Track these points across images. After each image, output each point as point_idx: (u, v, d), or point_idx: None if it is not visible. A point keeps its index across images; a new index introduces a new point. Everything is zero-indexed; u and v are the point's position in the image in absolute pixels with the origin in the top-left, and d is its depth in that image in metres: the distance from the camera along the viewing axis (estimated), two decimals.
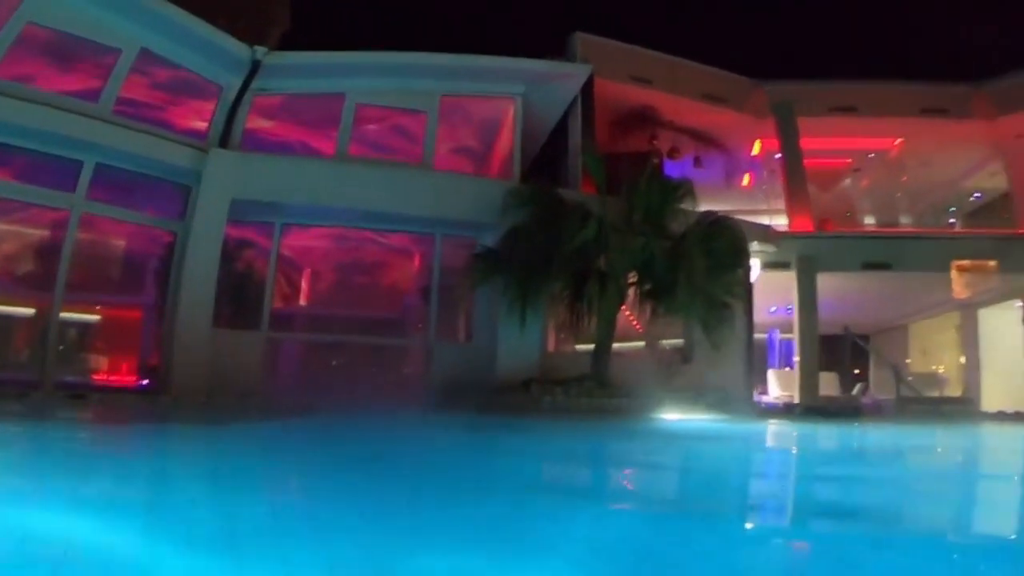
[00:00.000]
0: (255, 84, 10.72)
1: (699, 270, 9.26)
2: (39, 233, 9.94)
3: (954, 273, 13.74)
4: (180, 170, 9.77)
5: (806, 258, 13.44)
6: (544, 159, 13.10)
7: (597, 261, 9.77)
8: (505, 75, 11.57)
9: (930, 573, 1.83)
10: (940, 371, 16.66)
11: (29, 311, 9.75)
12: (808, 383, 13.22)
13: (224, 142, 10.40)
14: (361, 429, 6.38)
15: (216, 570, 1.68)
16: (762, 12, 22.10)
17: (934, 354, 17.60)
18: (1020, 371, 13.68)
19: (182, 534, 1.99)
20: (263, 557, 1.78)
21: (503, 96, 11.78)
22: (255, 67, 10.60)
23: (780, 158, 15.14)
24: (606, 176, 10.46)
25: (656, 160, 13.58)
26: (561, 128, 12.75)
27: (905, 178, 16.73)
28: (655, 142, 14.66)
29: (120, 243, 10.73)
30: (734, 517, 2.75)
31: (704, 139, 15.17)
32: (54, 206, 9.08)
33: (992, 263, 13.50)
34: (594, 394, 9.16)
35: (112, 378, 10.21)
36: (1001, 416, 12.07)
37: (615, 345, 10.16)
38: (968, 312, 15.46)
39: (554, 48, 13.69)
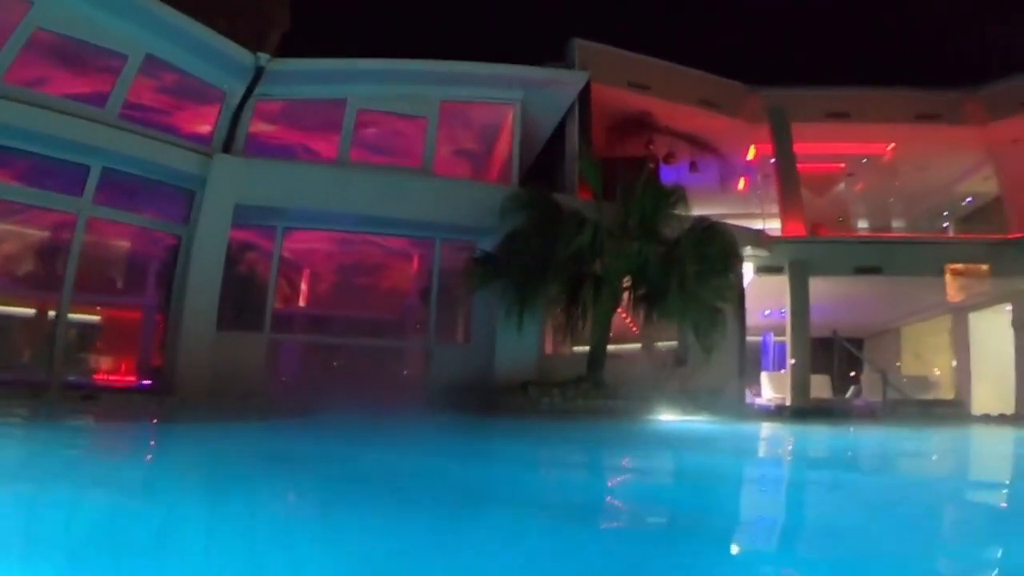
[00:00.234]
0: (258, 89, 10.89)
1: (690, 275, 9.47)
2: (46, 236, 10.11)
3: (948, 276, 13.97)
4: (184, 175, 9.95)
5: (798, 262, 13.65)
6: (542, 164, 13.30)
7: (593, 266, 9.97)
8: (504, 81, 11.78)
9: None
10: (936, 373, 16.87)
11: (36, 312, 9.92)
12: (800, 385, 13.44)
13: (228, 147, 10.58)
14: (378, 431, 6.66)
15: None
16: (757, 19, 22.33)
17: (927, 357, 17.80)
18: (1009, 374, 13.89)
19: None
20: None
21: (502, 102, 11.99)
22: (258, 73, 10.77)
23: (774, 163, 15.36)
24: (603, 180, 10.66)
25: (652, 165, 13.79)
26: (559, 133, 12.96)
27: (898, 183, 16.94)
28: (651, 147, 14.87)
29: (125, 246, 10.90)
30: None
31: (700, 144, 15.38)
32: (62, 210, 9.25)
33: (985, 267, 13.74)
34: (590, 396, 9.35)
35: (114, 378, 10.38)
36: (986, 419, 12.29)
37: (612, 347, 10.36)
38: (959, 316, 15.68)
39: (553, 54, 13.90)
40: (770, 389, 15.94)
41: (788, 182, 14.89)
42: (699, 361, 10.13)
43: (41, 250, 10.20)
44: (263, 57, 10.72)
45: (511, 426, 7.87)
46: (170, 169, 9.81)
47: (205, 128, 10.80)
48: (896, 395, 13.86)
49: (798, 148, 15.02)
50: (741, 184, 17.18)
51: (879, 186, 17.35)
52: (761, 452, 6.97)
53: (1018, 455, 7.26)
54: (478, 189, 11.92)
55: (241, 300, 10.59)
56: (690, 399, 9.76)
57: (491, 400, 9.47)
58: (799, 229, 14.42)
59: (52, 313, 8.99)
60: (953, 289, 14.10)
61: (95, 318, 10.53)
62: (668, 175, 14.63)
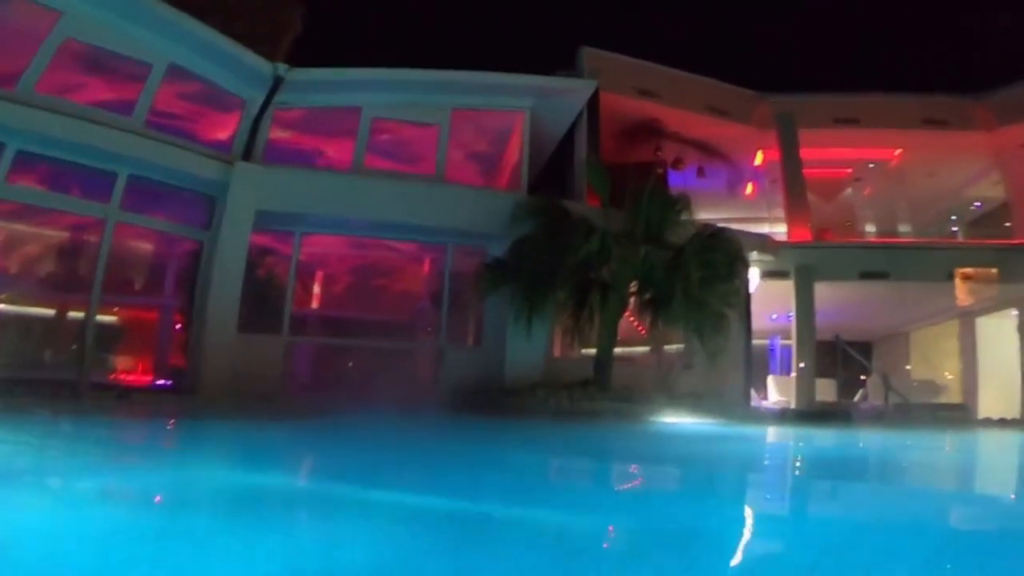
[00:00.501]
0: (277, 98, 11.24)
1: (695, 281, 9.69)
2: (74, 240, 10.48)
3: (958, 280, 14.06)
4: (206, 181, 10.30)
5: (804, 267, 13.81)
6: (551, 170, 13.58)
7: (600, 272, 10.23)
8: (514, 90, 12.07)
9: None
10: (948, 377, 16.87)
11: (61, 313, 10.29)
12: (805, 389, 13.61)
13: (247, 154, 10.94)
14: (404, 429, 7.10)
15: None
16: (765, 26, 22.46)
17: (936, 361, 17.85)
18: (1015, 378, 13.99)
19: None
20: None
21: (512, 110, 12.29)
22: (277, 82, 11.13)
23: (781, 169, 15.52)
24: (612, 185, 10.89)
25: (660, 171, 14.01)
26: (567, 140, 13.23)
27: (906, 188, 17.03)
28: (660, 153, 15.08)
29: (149, 250, 11.28)
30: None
31: (708, 150, 15.57)
32: (91, 215, 9.61)
33: (995, 271, 13.83)
34: (596, 398, 9.60)
35: (136, 378, 10.73)
36: (987, 423, 12.41)
37: (620, 350, 10.59)
38: (966, 320, 15.76)
39: (562, 62, 14.16)
40: (776, 392, 16.09)
41: (794, 188, 15.06)
42: (705, 365, 10.34)
43: (69, 254, 10.57)
44: (282, 67, 11.07)
45: (517, 428, 8.12)
46: (193, 176, 10.16)
47: (226, 135, 11.16)
48: (895, 399, 13.99)
49: (806, 153, 15.16)
50: (749, 189, 17.34)
51: (887, 191, 17.46)
52: (750, 456, 7.10)
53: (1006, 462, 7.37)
54: (488, 196, 12.19)
55: (260, 303, 10.93)
56: (695, 402, 9.97)
57: (500, 401, 9.73)
58: (805, 234, 14.59)
59: (81, 314, 9.34)
60: (962, 293, 14.19)
61: (120, 320, 10.90)
62: (676, 180, 14.87)
